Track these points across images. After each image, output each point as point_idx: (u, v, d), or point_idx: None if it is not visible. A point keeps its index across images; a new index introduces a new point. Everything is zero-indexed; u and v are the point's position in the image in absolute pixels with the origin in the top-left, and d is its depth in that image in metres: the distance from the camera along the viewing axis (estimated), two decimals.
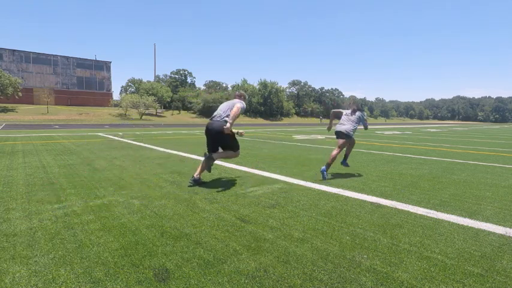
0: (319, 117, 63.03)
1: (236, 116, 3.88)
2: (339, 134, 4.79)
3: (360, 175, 4.78)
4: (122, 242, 2.19)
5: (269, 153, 7.38)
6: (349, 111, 4.93)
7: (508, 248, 2.17)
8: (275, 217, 2.76)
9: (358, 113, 4.84)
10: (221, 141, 4.00)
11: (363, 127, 4.99)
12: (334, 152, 4.64)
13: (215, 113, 4.06)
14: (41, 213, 2.78)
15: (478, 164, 6.15)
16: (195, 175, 3.96)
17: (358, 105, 5.03)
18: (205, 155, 4.04)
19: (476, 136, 16.60)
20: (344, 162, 4.97)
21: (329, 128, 5.39)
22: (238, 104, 3.94)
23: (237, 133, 4.16)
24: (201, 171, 3.99)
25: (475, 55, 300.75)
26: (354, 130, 4.77)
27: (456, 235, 2.39)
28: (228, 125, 3.77)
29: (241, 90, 4.21)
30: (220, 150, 4.14)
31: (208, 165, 4.04)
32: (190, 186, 3.88)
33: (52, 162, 5.57)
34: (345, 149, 4.93)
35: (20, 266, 1.84)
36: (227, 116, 3.89)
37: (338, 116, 5.12)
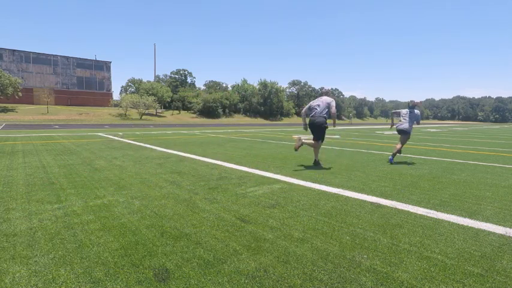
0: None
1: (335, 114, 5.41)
2: (400, 132, 6.20)
3: (360, 175, 4.78)
4: (122, 242, 2.19)
5: (269, 153, 7.38)
6: (404, 110, 6.31)
7: (508, 248, 2.17)
8: (275, 217, 2.76)
9: (415, 111, 6.24)
10: (319, 132, 5.41)
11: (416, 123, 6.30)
12: (399, 146, 6.17)
13: (314, 111, 5.42)
14: (41, 213, 2.78)
15: (478, 164, 6.15)
16: (316, 159, 5.58)
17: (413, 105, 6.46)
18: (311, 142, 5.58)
19: (476, 136, 16.60)
20: (391, 159, 6.08)
21: (392, 126, 6.73)
22: (332, 103, 5.40)
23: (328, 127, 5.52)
24: (316, 154, 5.59)
25: (475, 55, 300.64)
26: (411, 127, 6.16)
27: (456, 235, 2.39)
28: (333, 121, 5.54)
29: (325, 87, 5.90)
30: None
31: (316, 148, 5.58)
32: (314, 168, 5.23)
33: (52, 162, 5.57)
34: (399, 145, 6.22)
35: (20, 266, 1.84)
36: (326, 114, 5.35)
37: (398, 116, 6.55)
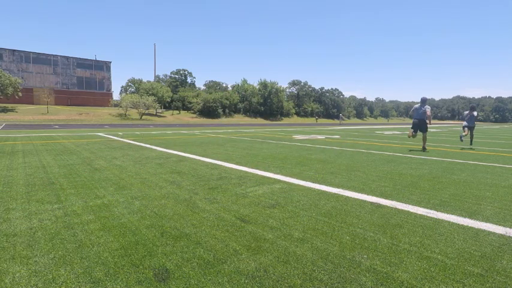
0: (315, 117, 63.07)
1: (431, 116, 8.15)
2: (467, 125, 9.77)
3: (360, 175, 4.78)
4: (122, 242, 2.19)
5: (269, 153, 7.38)
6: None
7: (508, 248, 2.17)
8: (275, 217, 2.76)
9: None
10: (422, 127, 8.57)
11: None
12: (466, 132, 9.61)
13: (415, 115, 8.64)
14: (41, 213, 2.78)
15: (478, 164, 6.15)
16: (424, 146, 8.36)
17: (473, 106, 9.90)
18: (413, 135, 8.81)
19: (476, 136, 16.60)
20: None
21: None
22: (428, 109, 8.47)
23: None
24: (424, 143, 8.45)
25: (475, 55, 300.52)
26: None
27: (456, 235, 2.39)
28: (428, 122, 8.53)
29: (424, 96, 8.49)
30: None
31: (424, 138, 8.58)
32: (423, 152, 7.33)
33: (52, 162, 5.57)
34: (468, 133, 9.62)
35: (20, 266, 1.84)
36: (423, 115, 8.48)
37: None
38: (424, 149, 8.28)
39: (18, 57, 47.38)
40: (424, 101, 8.44)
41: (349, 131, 21.50)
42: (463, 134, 9.46)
